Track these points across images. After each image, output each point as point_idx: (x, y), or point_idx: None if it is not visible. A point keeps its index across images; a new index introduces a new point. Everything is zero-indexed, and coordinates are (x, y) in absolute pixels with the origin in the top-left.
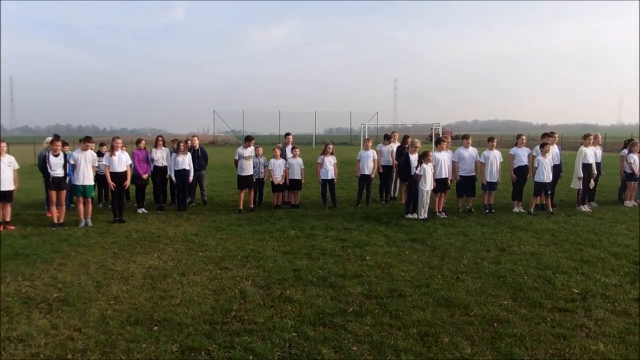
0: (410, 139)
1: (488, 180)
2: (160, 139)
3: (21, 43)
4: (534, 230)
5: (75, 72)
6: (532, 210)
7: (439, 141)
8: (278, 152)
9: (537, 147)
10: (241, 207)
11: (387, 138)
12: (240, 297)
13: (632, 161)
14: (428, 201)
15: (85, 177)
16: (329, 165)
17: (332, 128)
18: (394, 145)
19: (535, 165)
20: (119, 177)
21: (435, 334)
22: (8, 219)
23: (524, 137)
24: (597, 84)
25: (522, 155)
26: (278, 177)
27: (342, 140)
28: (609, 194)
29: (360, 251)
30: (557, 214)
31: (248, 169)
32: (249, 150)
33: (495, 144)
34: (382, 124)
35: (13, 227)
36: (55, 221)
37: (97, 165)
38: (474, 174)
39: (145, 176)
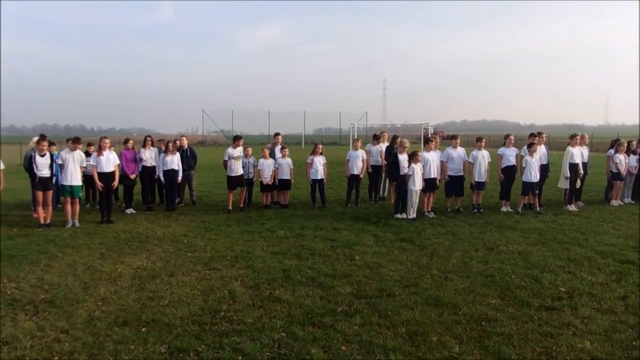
0: (399, 139)
1: (476, 180)
2: (148, 138)
3: (4, 41)
4: (522, 229)
5: (61, 71)
6: (519, 209)
7: (427, 141)
8: (267, 152)
9: (525, 147)
10: (230, 208)
11: (376, 138)
12: (229, 298)
13: (618, 161)
14: (417, 201)
15: (73, 177)
16: (319, 165)
17: (322, 128)
18: (383, 145)
19: (523, 165)
20: (106, 177)
21: (423, 333)
22: None
23: (512, 137)
24: (584, 85)
25: (510, 155)
26: (267, 177)
27: (332, 140)
28: (595, 193)
29: (349, 251)
30: (545, 214)
31: (238, 170)
32: (238, 151)
33: (483, 144)
34: (372, 124)
35: None
36: (42, 222)
37: (85, 165)
38: (462, 173)
39: (133, 176)
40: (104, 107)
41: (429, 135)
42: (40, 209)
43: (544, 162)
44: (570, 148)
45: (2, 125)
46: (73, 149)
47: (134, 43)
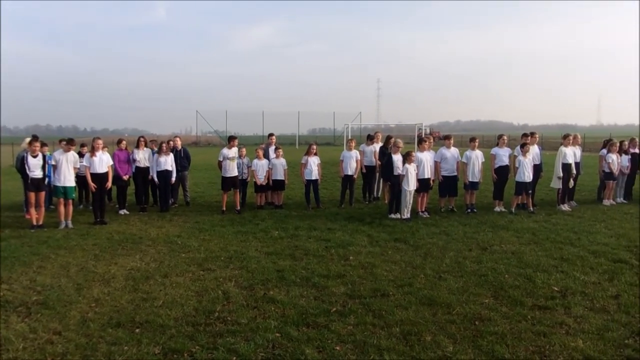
0: (393, 139)
1: (470, 180)
2: (142, 139)
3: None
4: (515, 229)
5: (54, 71)
6: (513, 209)
7: (420, 141)
8: (261, 152)
9: (518, 147)
10: (224, 208)
11: (370, 138)
12: (224, 298)
13: (610, 161)
14: (411, 201)
15: (67, 178)
16: (313, 166)
17: (316, 128)
18: (377, 146)
19: (516, 165)
20: (100, 178)
21: (417, 333)
22: None
23: (505, 138)
24: (577, 85)
25: (503, 155)
26: (261, 178)
27: (326, 141)
28: (588, 193)
29: (343, 251)
30: (538, 213)
31: (232, 170)
32: (233, 151)
33: (477, 144)
34: (365, 125)
35: None
36: (34, 223)
37: (78, 166)
38: (456, 174)
39: (126, 177)
40: (97, 107)
41: (425, 136)
42: (32, 210)
43: (537, 162)
44: (563, 148)
45: None
46: (67, 150)
47: (126, 43)
